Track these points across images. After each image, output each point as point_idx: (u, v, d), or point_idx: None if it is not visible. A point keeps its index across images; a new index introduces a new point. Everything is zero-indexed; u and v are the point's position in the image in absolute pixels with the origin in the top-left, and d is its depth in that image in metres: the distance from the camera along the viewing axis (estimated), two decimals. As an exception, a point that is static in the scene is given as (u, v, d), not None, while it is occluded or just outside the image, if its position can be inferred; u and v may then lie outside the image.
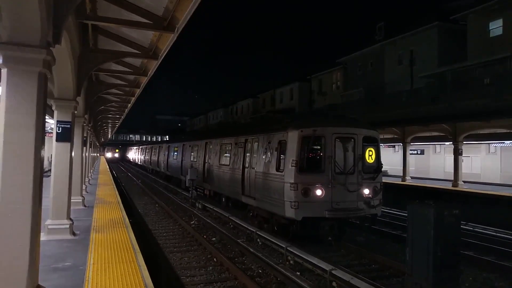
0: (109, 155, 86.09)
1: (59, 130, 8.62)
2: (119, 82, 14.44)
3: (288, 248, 9.83)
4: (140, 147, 53.20)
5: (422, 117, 22.71)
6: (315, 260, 8.79)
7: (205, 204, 17.59)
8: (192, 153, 22.52)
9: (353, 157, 11.09)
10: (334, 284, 7.91)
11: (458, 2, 29.63)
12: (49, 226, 8.33)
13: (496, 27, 25.44)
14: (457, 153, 20.87)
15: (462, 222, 8.04)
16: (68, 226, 8.51)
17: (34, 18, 4.08)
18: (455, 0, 30.61)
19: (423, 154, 30.88)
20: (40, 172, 4.38)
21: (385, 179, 13.49)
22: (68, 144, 8.78)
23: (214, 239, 12.38)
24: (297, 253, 9.45)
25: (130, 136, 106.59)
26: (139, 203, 20.41)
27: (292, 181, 10.43)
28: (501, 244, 12.09)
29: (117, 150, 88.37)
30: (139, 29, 7.98)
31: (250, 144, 13.90)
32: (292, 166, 10.52)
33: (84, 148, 14.87)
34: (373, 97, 34.43)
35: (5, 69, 4.20)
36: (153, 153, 39.37)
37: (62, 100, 8.64)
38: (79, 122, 12.23)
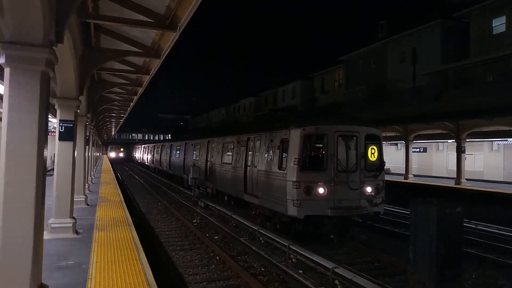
0: (112, 154, 77.33)
1: (61, 129, 8.63)
2: (121, 81, 14.46)
3: (290, 246, 9.83)
4: (149, 145, 46.15)
5: (424, 114, 22.64)
6: (317, 258, 8.79)
7: (208, 203, 17.62)
8: (195, 152, 22.55)
9: (355, 155, 11.08)
10: (336, 282, 7.91)
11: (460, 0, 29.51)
12: (52, 225, 8.36)
13: (499, 24, 25.31)
14: (459, 151, 20.80)
15: (464, 220, 8.03)
16: (71, 224, 8.54)
17: (37, 17, 4.08)
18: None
19: (426, 152, 30.83)
20: (43, 171, 4.39)
21: (387, 177, 13.48)
22: (70, 143, 8.80)
23: (216, 237, 12.41)
24: (300, 251, 9.45)
25: (133, 135, 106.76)
26: (142, 202, 20.47)
27: (295, 179, 10.42)
28: (504, 242, 12.05)
29: (121, 149, 79.80)
30: (141, 27, 7.98)
31: (252, 143, 13.90)
32: (294, 164, 10.52)
33: (87, 147, 14.89)
34: (376, 95, 34.35)
35: (8, 68, 4.21)
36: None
37: (65, 99, 8.66)
38: (81, 121, 12.26)
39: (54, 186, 8.55)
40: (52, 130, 18.60)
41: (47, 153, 4.75)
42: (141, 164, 52.71)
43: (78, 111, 9.23)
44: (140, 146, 56.92)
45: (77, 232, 8.67)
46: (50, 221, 8.34)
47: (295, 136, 10.77)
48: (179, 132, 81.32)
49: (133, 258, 6.81)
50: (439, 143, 29.08)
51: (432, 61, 29.35)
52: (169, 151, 31.18)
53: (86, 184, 14.03)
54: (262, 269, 9.16)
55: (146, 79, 13.37)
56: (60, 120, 8.64)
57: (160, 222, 15.20)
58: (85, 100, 11.84)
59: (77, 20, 7.22)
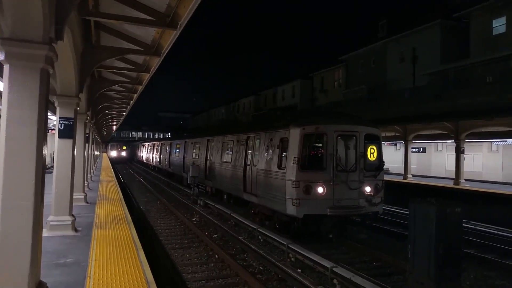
0: (113, 153, 66.89)
1: (61, 126, 8.62)
2: (121, 79, 14.44)
3: (289, 245, 9.84)
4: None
5: (424, 115, 22.63)
6: (316, 258, 8.80)
7: (207, 201, 17.62)
8: (194, 150, 22.54)
9: (354, 154, 11.08)
10: (335, 281, 7.92)
11: (461, 0, 29.50)
12: (51, 222, 8.36)
13: (499, 24, 25.31)
14: (459, 151, 20.80)
15: (463, 220, 8.03)
16: (70, 222, 8.53)
17: (37, 14, 4.07)
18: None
19: (425, 152, 30.81)
20: (42, 168, 4.38)
21: (386, 177, 13.48)
22: (70, 141, 8.79)
23: (215, 236, 12.41)
24: (299, 250, 9.46)
25: (132, 133, 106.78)
26: (141, 200, 20.46)
27: (294, 178, 10.42)
28: (502, 243, 12.07)
29: (124, 148, 69.36)
30: (141, 25, 7.97)
31: (252, 142, 13.89)
32: (293, 164, 10.52)
33: (87, 144, 14.88)
34: (375, 94, 34.35)
35: (7, 65, 4.19)
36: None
37: (65, 96, 8.65)
38: (81, 119, 12.25)
39: (54, 183, 8.54)
40: (52, 127, 18.59)
41: (47, 150, 4.73)
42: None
43: (78, 108, 9.21)
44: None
45: (76, 230, 8.67)
46: (49, 218, 8.33)
47: (294, 136, 10.77)
48: (179, 130, 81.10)
49: (132, 256, 6.81)
50: (438, 144, 29.08)
51: (432, 61, 29.35)
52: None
53: (85, 182, 14.02)
54: (261, 267, 9.17)
55: (146, 77, 13.36)
56: (59, 118, 8.63)
57: (159, 220, 15.20)
58: (85, 97, 11.83)
59: (77, 17, 7.21)
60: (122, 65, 12.12)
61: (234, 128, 17.78)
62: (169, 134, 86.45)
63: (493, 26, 25.63)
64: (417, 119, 22.84)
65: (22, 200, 4.14)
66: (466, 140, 21.25)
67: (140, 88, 15.79)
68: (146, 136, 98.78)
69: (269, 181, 11.80)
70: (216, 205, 16.50)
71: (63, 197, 8.52)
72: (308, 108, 42.38)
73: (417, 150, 30.34)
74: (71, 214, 8.69)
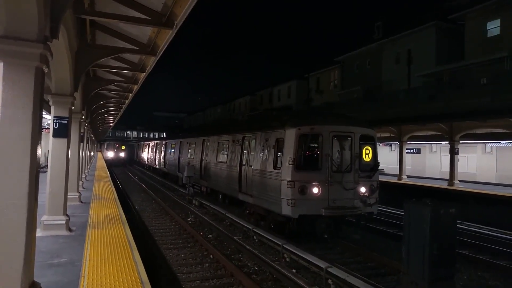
0: (110, 154, 56.17)
1: (56, 125, 8.57)
2: (117, 78, 14.38)
3: (284, 245, 9.85)
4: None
5: (419, 116, 22.74)
6: (311, 258, 8.81)
7: (202, 201, 17.59)
8: (190, 150, 22.48)
9: (350, 155, 11.12)
10: (329, 281, 7.93)
11: (456, 2, 29.68)
12: (45, 222, 8.30)
13: (493, 27, 25.51)
14: (453, 152, 20.93)
15: (457, 221, 8.08)
16: (64, 222, 8.48)
17: (31, 12, 4.04)
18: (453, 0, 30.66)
19: (419, 153, 30.99)
20: (36, 168, 4.35)
21: (381, 178, 13.53)
22: (65, 140, 8.74)
23: (210, 236, 12.39)
24: (293, 250, 9.47)
25: (128, 132, 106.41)
26: (136, 200, 20.39)
27: (289, 178, 10.43)
28: (495, 243, 12.17)
29: (123, 147, 58.05)
30: (137, 24, 7.94)
31: (247, 142, 13.89)
32: (289, 164, 10.53)
33: (81, 144, 14.80)
34: (371, 95, 34.46)
35: (1, 63, 4.15)
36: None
37: (59, 95, 8.59)
38: (76, 118, 12.18)
39: (48, 183, 8.49)
40: (46, 126, 18.46)
41: (41, 149, 4.70)
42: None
43: (73, 107, 9.15)
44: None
45: (70, 230, 8.62)
46: (43, 218, 8.28)
47: (290, 136, 10.78)
48: (174, 130, 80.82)
49: (126, 256, 6.78)
50: (433, 145, 29.25)
51: (427, 63, 29.52)
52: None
53: (80, 181, 13.95)
54: (256, 268, 9.16)
55: (142, 76, 13.31)
56: (54, 117, 8.58)
57: (154, 220, 15.15)
58: (80, 97, 11.77)
59: (72, 16, 7.16)
60: (118, 64, 12.07)
61: (230, 128, 17.75)
62: (164, 133, 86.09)
63: (488, 28, 25.82)
64: (412, 120, 22.96)
65: (15, 200, 4.10)
66: (461, 142, 21.39)
67: (136, 88, 15.74)
68: (141, 136, 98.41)
69: (264, 181, 11.80)
70: (211, 205, 16.48)
71: (57, 196, 8.47)
72: (304, 109, 42.46)
73: (411, 151, 30.50)
74: (65, 214, 8.64)
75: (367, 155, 11.44)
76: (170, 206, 17.95)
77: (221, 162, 16.43)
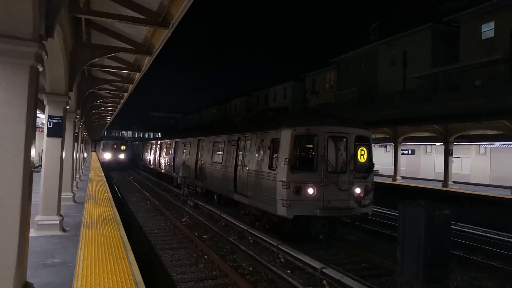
0: (107, 155, 45.06)
1: (50, 125, 8.52)
2: (112, 77, 14.32)
3: (279, 246, 9.85)
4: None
5: (413, 117, 22.88)
6: (306, 259, 8.82)
7: (197, 202, 17.56)
8: (185, 150, 22.43)
9: (345, 156, 11.15)
10: (324, 282, 7.94)
11: (451, 4, 29.86)
12: (39, 222, 8.25)
13: (488, 29, 25.70)
14: (447, 153, 21.05)
15: (451, 222, 8.12)
16: (58, 222, 8.43)
17: (26, 11, 4.01)
18: (448, 1, 30.85)
19: (414, 154, 31.13)
20: (30, 167, 4.32)
21: (376, 179, 13.58)
22: (59, 140, 8.69)
23: (205, 236, 12.36)
24: (288, 251, 9.47)
25: (122, 132, 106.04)
26: (131, 200, 20.30)
27: (285, 179, 10.44)
28: (489, 244, 12.25)
29: (123, 147, 46.35)
30: (133, 24, 7.90)
31: (243, 142, 13.88)
32: (284, 165, 10.54)
33: (76, 143, 14.71)
34: (366, 97, 34.59)
35: (-4, 62, 4.13)
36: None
37: (54, 95, 8.54)
38: (70, 118, 12.10)
39: (42, 182, 8.43)
40: (41, 126, 18.35)
41: (35, 149, 4.67)
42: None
43: (67, 107, 9.10)
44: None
45: (64, 230, 8.57)
46: (37, 218, 8.23)
47: (286, 137, 10.79)
48: (170, 130, 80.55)
49: (120, 256, 6.75)
50: (427, 146, 29.40)
51: (422, 65, 29.67)
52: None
53: (74, 181, 13.87)
54: (251, 268, 9.16)
55: (137, 76, 13.26)
56: (48, 116, 8.53)
57: (148, 220, 15.10)
58: (74, 96, 11.70)
59: (68, 15, 7.13)
60: (113, 63, 12.02)
61: (226, 129, 17.74)
62: (159, 133, 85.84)
63: (482, 30, 26.01)
64: (407, 121, 23.08)
65: (9, 199, 4.07)
66: (455, 143, 21.53)
67: (131, 87, 15.67)
68: (136, 136, 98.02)
69: (259, 181, 11.80)
70: (206, 206, 16.45)
71: (51, 196, 8.41)
72: (300, 110, 42.52)
73: (406, 152, 30.64)
74: (59, 214, 8.58)
75: (362, 156, 11.47)
76: (164, 206, 17.90)
77: (216, 162, 16.41)
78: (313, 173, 10.66)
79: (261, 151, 12.01)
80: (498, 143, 22.77)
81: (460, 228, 14.23)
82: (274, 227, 11.51)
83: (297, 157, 10.75)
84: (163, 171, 29.32)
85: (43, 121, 10.19)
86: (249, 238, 11.52)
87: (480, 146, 25.36)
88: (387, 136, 25.48)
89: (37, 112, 5.79)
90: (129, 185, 28.30)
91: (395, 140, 24.48)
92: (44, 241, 7.65)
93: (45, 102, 8.56)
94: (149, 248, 10.76)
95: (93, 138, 54.22)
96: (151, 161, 35.01)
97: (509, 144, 21.43)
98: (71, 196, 12.44)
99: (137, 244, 9.78)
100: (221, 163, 15.58)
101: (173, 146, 25.75)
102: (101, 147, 47.20)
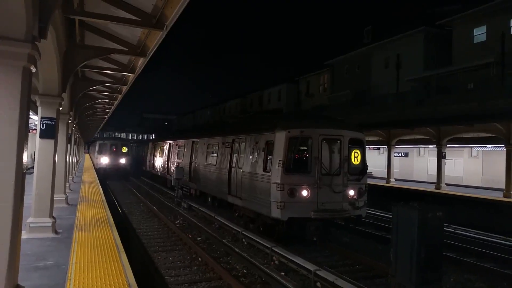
0: (104, 160, 33.93)
1: (43, 126, 8.46)
2: (106, 79, 14.25)
3: (273, 248, 9.85)
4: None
5: (407, 120, 23.02)
6: (300, 261, 8.83)
7: (191, 204, 17.50)
8: (179, 152, 22.35)
9: (339, 158, 11.19)
10: (318, 284, 7.95)
11: (444, 8, 30.16)
12: (31, 224, 8.17)
13: (480, 33, 25.98)
14: (440, 156, 21.22)
15: (444, 224, 8.18)
16: (50, 224, 8.36)
17: (19, 11, 3.98)
18: (441, 5, 31.17)
19: (407, 156, 31.34)
20: (22, 169, 4.29)
21: (369, 181, 13.63)
22: (52, 141, 8.62)
23: (199, 238, 12.32)
24: (282, 253, 9.47)
25: (116, 134, 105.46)
26: (124, 202, 20.18)
27: (279, 181, 10.45)
28: (481, 246, 12.33)
29: (124, 149, 35.07)
30: (127, 25, 7.87)
31: (237, 144, 13.87)
32: (279, 167, 10.55)
33: (69, 145, 14.61)
34: (360, 99, 34.77)
35: (-12, 63, 4.09)
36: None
37: (47, 96, 8.48)
38: (64, 119, 12.02)
39: (34, 184, 8.37)
40: (33, 127, 18.19)
41: (28, 150, 4.63)
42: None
43: (61, 108, 9.04)
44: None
45: (56, 232, 8.49)
46: (29, 220, 8.15)
47: (280, 139, 10.81)
48: (164, 132, 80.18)
49: (114, 259, 6.70)
50: (421, 148, 29.62)
51: (415, 68, 29.90)
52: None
53: (67, 183, 13.76)
54: (245, 271, 9.14)
55: (131, 78, 13.22)
56: (41, 118, 8.46)
57: (142, 222, 15.02)
58: (68, 97, 11.63)
59: (61, 16, 7.08)
60: (107, 65, 11.96)
61: (220, 130, 17.69)
62: (153, 135, 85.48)
63: (474, 34, 26.28)
64: (400, 124, 23.23)
65: (0, 201, 4.03)
66: (448, 146, 21.70)
67: (125, 89, 15.61)
68: (130, 137, 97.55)
69: (254, 183, 11.80)
70: (200, 208, 16.40)
71: (43, 198, 8.34)
72: (294, 112, 42.59)
73: (399, 154, 30.84)
74: (51, 216, 8.52)
75: (356, 158, 11.52)
76: (158, 208, 17.82)
77: (210, 164, 16.38)
78: (307, 175, 10.68)
79: (256, 153, 12.01)
80: (490, 146, 23.01)
81: (453, 230, 14.32)
82: (268, 229, 11.51)
83: (291, 159, 10.77)
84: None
85: (36, 123, 10.12)
86: (243, 240, 11.50)
87: (473, 148, 25.60)
88: (380, 139, 25.62)
89: (30, 113, 5.75)
90: (122, 187, 28.04)
91: (388, 142, 24.62)
92: (36, 243, 7.58)
93: (37, 103, 8.49)
94: (142, 250, 10.71)
95: (86, 140, 53.57)
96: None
97: (501, 146, 21.66)
98: (64, 198, 12.35)
99: (131, 246, 9.73)
100: (215, 165, 15.55)
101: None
102: (97, 149, 36.57)
